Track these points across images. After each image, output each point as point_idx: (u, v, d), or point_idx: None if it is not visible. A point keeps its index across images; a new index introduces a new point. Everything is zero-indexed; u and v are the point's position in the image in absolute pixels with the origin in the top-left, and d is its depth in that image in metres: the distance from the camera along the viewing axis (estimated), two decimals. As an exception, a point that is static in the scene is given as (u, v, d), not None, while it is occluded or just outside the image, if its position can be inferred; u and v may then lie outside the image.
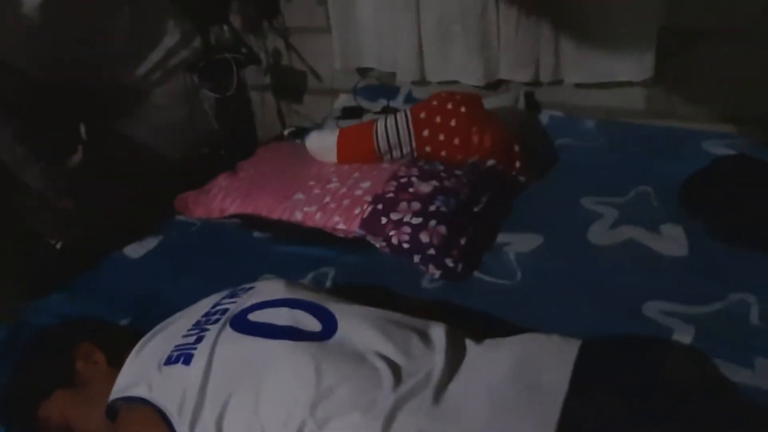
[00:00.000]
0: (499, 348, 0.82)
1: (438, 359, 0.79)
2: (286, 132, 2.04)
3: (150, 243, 1.48)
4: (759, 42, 1.45)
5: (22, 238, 1.44)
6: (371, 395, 0.76)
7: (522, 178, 1.50)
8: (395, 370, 0.79)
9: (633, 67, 1.57)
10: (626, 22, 1.53)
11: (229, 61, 1.91)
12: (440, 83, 1.87)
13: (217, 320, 0.91)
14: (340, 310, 0.90)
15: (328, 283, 1.26)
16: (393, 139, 1.44)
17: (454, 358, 0.81)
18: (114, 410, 0.88)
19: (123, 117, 1.66)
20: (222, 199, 1.48)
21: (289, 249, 1.39)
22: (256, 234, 1.46)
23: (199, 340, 0.88)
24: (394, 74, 1.96)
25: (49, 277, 1.36)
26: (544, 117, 1.76)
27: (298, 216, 1.37)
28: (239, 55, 1.97)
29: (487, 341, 0.85)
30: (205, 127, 1.86)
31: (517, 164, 1.47)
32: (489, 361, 0.80)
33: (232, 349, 0.86)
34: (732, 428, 0.77)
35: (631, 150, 1.56)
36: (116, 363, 0.92)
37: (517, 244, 1.30)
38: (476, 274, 1.24)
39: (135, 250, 1.46)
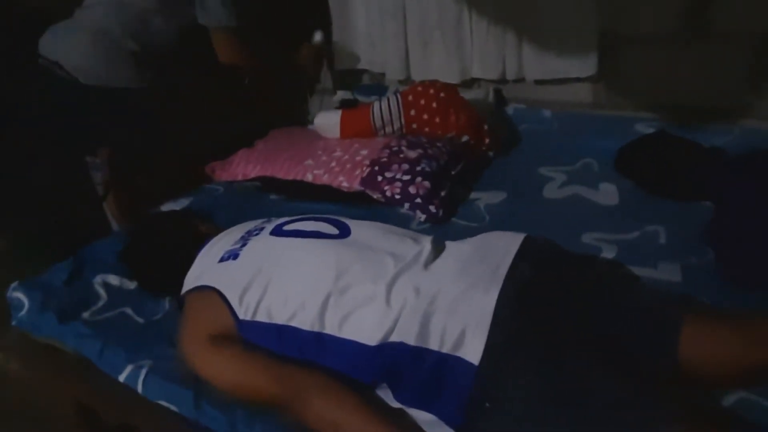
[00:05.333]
0: (468, 240, 1.14)
1: (425, 247, 1.10)
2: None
3: (182, 203, 1.77)
4: (674, 46, 1.81)
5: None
6: (378, 270, 1.04)
7: (491, 153, 1.83)
8: (395, 256, 1.07)
9: (580, 65, 1.92)
10: (572, 28, 1.88)
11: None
12: (424, 81, 2.20)
13: (257, 234, 1.21)
14: (353, 222, 1.21)
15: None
16: (386, 117, 1.77)
17: (438, 247, 1.12)
18: (182, 303, 1.17)
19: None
20: (244, 166, 1.79)
21: (300, 206, 1.68)
22: (272, 196, 1.77)
23: (244, 245, 1.17)
24: (384, 74, 2.29)
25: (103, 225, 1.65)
26: (509, 109, 2.10)
27: (308, 177, 1.67)
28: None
29: (461, 240, 1.16)
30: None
31: (487, 140, 1.80)
32: (461, 246, 1.11)
33: (271, 247, 1.15)
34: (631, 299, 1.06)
35: (579, 133, 1.90)
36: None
37: (485, 198, 1.63)
38: (454, 219, 1.56)
39: (170, 208, 1.75)
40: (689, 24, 1.78)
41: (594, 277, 1.04)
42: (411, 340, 0.92)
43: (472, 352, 0.88)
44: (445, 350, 0.90)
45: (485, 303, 0.91)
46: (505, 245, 1.05)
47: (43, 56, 1.73)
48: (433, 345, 0.91)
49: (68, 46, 1.75)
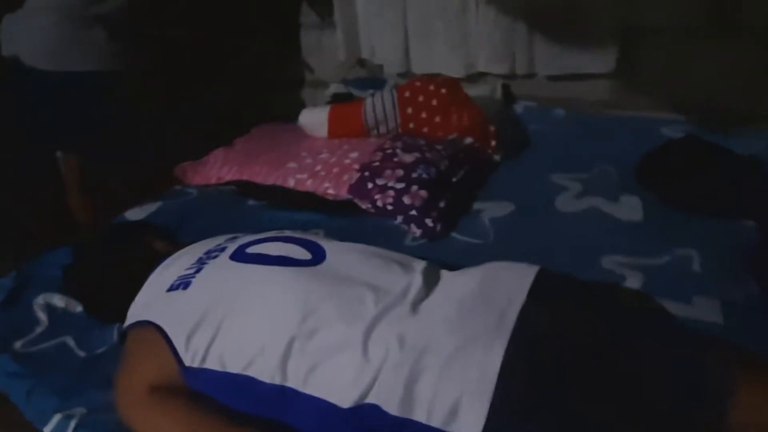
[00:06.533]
0: (468, 271, 0.94)
1: (415, 279, 0.90)
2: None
3: (149, 208, 1.57)
4: (703, 40, 1.61)
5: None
6: (355, 310, 0.85)
7: (497, 157, 1.63)
8: (376, 290, 0.88)
9: (597, 60, 1.72)
10: (590, 19, 1.68)
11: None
12: (424, 75, 2.00)
13: (216, 256, 1.01)
14: (329, 244, 1.01)
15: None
16: (380, 115, 1.57)
17: (430, 280, 0.92)
18: (124, 338, 0.98)
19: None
20: (219, 168, 1.59)
21: (280, 214, 1.49)
22: (250, 202, 1.58)
23: (198, 271, 0.98)
24: (381, 66, 2.09)
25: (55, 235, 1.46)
26: (518, 107, 1.91)
27: (291, 182, 1.48)
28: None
29: (460, 270, 0.96)
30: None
31: (492, 143, 1.61)
32: (459, 281, 0.91)
33: (228, 275, 0.95)
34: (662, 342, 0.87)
35: (596, 135, 1.70)
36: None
37: (490, 210, 1.43)
38: (453, 234, 1.37)
39: (135, 214, 1.55)
40: (718, 16, 1.60)
41: (623, 327, 0.84)
42: (392, 407, 0.73)
43: (469, 428, 0.69)
44: (434, 424, 0.71)
45: (487, 364, 0.72)
46: (513, 283, 0.85)
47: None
48: (419, 416, 0.72)
49: (28, 33, 1.59)
